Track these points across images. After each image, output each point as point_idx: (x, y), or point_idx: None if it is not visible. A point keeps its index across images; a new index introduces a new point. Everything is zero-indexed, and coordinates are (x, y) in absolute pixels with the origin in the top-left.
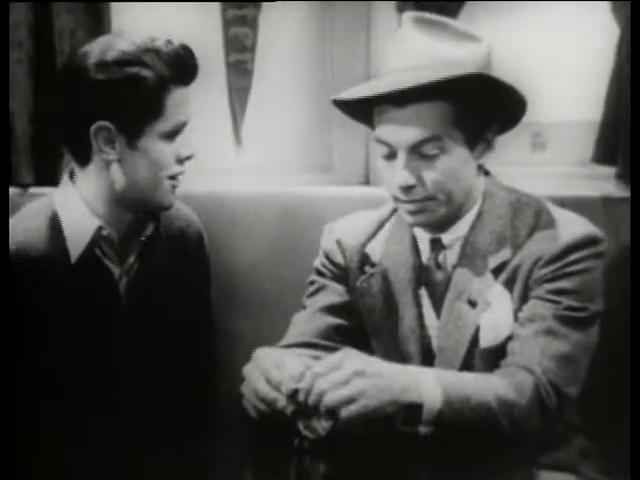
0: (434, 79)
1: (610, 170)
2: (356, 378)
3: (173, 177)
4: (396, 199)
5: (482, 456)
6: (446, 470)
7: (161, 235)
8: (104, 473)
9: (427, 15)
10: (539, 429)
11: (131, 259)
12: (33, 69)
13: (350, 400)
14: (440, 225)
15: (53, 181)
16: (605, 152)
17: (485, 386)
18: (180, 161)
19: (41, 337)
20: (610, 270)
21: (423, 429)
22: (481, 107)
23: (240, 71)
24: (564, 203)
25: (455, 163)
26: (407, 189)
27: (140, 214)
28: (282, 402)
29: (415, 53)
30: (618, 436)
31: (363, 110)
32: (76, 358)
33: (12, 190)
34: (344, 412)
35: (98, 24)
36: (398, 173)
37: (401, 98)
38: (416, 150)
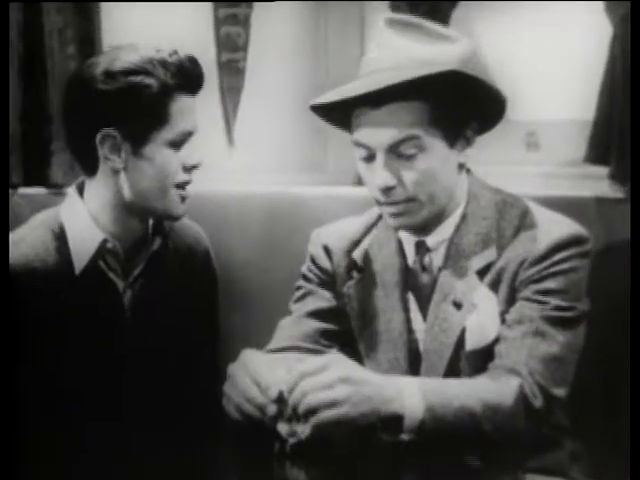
0: (406, 78)
1: (603, 170)
2: (341, 384)
3: (180, 186)
4: (378, 202)
5: (467, 460)
6: (430, 476)
7: (169, 250)
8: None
9: (402, 17)
10: (526, 431)
11: (136, 272)
12: (23, 69)
13: (332, 404)
14: (424, 227)
15: (42, 181)
16: (598, 152)
17: (469, 391)
18: (187, 170)
19: (45, 347)
20: (603, 270)
21: (405, 436)
22: (459, 105)
23: (232, 70)
24: (557, 203)
25: (435, 162)
26: (387, 190)
27: (149, 225)
28: (270, 407)
29: (390, 54)
30: (608, 439)
31: (341, 115)
32: (79, 369)
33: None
34: (323, 416)
35: (88, 23)
36: (378, 174)
37: (377, 99)
38: (394, 150)
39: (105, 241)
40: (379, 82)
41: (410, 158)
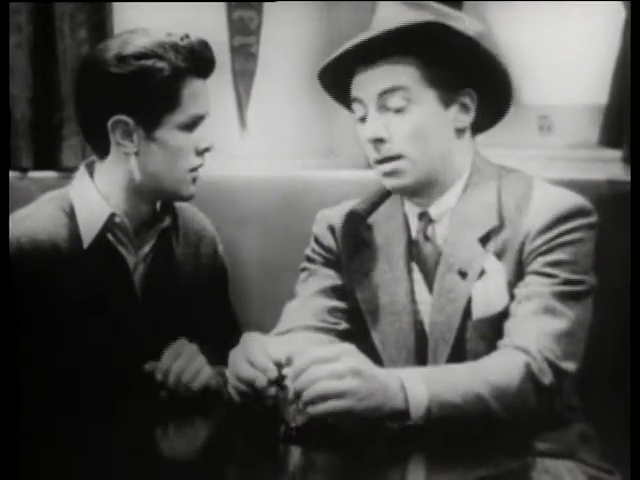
0: (394, 26)
1: (616, 153)
2: (351, 376)
3: (192, 169)
4: (373, 162)
5: (478, 445)
6: (440, 460)
7: (178, 231)
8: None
9: None
10: (538, 409)
11: (146, 249)
12: (33, 53)
13: (339, 395)
14: (420, 192)
15: (52, 165)
16: (611, 135)
17: (473, 373)
18: (199, 153)
19: (52, 323)
20: (615, 251)
21: (413, 423)
22: (454, 66)
23: (245, 55)
24: (569, 186)
25: (426, 119)
26: (377, 143)
27: (158, 205)
28: (261, 381)
29: (393, 17)
30: (618, 420)
31: (344, 80)
32: (89, 342)
33: (11, 174)
34: (328, 405)
35: (99, 7)
36: (368, 126)
37: (371, 57)
38: (383, 102)
39: (113, 215)
40: (372, 34)
41: (400, 111)
